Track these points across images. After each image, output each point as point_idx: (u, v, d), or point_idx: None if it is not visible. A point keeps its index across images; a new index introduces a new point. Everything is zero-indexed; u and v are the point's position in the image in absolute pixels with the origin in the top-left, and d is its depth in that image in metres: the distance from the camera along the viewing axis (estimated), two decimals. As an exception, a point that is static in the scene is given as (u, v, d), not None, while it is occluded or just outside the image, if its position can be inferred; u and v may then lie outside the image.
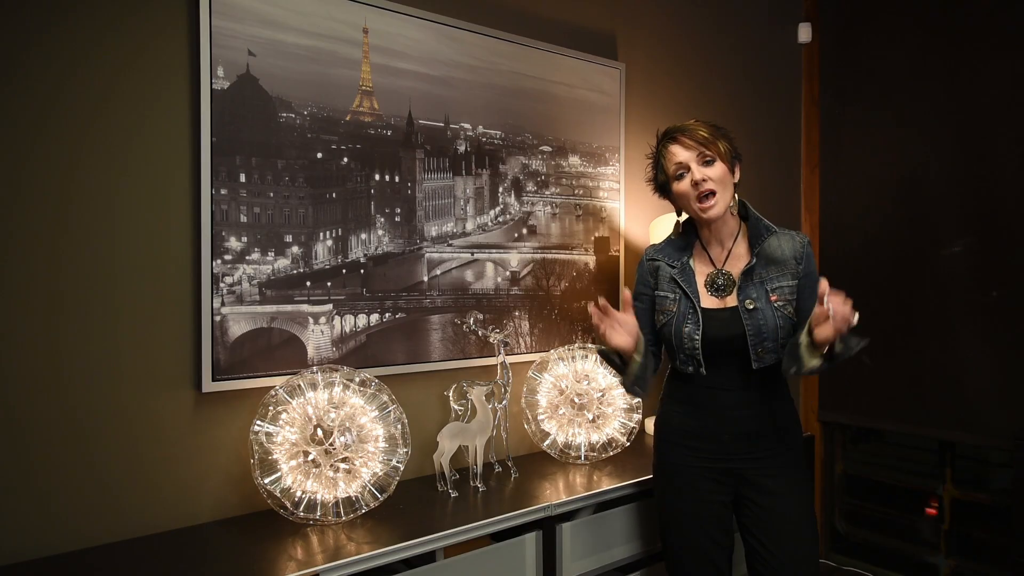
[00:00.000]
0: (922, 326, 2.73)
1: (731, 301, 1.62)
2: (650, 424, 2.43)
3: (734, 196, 1.64)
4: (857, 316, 1.38)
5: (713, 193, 1.58)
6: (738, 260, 1.66)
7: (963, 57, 2.64)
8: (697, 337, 1.60)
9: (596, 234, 2.43)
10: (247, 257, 1.70)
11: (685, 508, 1.67)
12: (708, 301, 1.64)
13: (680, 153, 1.60)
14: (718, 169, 1.58)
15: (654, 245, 1.78)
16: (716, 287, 1.64)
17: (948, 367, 2.66)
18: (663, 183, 1.68)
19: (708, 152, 1.58)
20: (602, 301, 1.53)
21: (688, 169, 1.59)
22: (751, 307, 1.58)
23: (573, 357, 2.15)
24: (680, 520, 1.68)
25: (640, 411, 2.17)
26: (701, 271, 1.68)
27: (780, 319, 1.58)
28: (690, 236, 1.72)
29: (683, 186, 1.61)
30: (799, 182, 3.18)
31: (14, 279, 1.44)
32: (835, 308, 1.36)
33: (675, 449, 1.69)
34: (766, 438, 1.62)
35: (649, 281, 1.73)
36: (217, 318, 1.65)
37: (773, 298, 1.59)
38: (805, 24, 3.07)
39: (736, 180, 1.64)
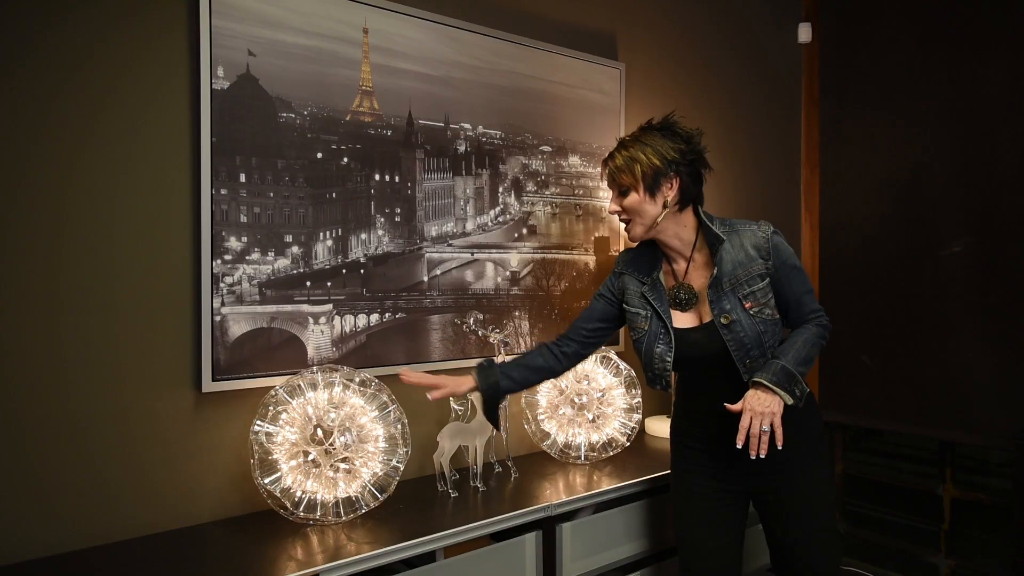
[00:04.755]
0: (922, 326, 2.73)
1: (705, 316, 1.56)
2: (650, 424, 2.44)
3: (698, 208, 1.59)
4: (758, 423, 1.43)
5: (630, 220, 1.59)
6: (702, 269, 1.60)
7: (963, 57, 2.64)
8: (669, 359, 1.56)
9: (596, 234, 2.43)
10: (247, 257, 1.70)
11: (692, 509, 1.67)
12: (681, 320, 1.59)
13: (606, 179, 1.63)
14: (631, 199, 1.55)
15: (627, 252, 1.72)
16: (678, 301, 1.59)
17: (948, 367, 2.66)
18: None
19: (620, 184, 1.57)
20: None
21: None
22: (726, 322, 1.52)
23: (573, 357, 2.14)
24: (688, 519, 1.68)
25: (640, 411, 2.17)
26: (668, 284, 1.63)
27: (761, 324, 1.52)
28: (656, 248, 1.66)
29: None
30: (799, 182, 3.18)
31: (14, 279, 1.44)
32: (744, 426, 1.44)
33: (682, 452, 1.70)
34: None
35: (615, 291, 1.69)
36: (217, 318, 1.65)
37: (747, 305, 1.52)
38: (805, 24, 3.07)
39: (668, 198, 1.53)
